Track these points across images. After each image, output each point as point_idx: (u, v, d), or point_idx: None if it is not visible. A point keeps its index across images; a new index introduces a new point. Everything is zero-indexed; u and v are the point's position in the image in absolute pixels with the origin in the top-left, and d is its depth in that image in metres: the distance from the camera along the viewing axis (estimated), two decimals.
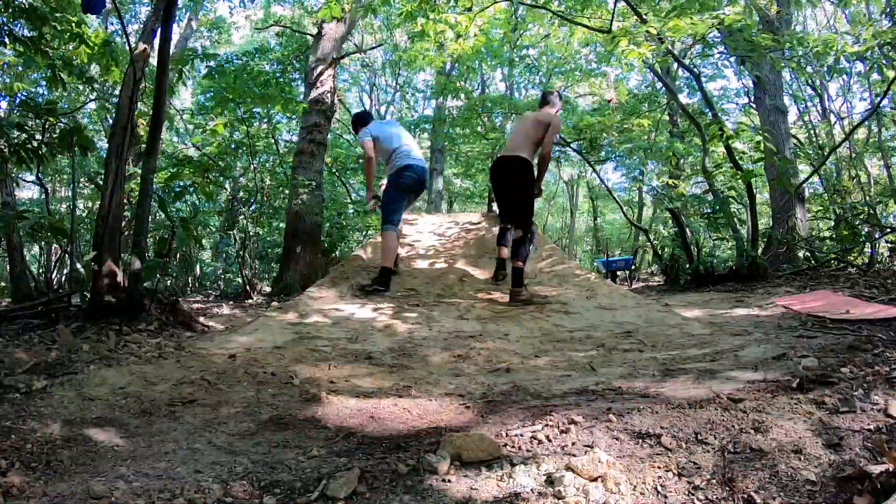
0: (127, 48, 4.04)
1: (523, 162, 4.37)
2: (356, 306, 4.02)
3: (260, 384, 2.06)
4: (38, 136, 4.35)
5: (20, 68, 5.53)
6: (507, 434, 1.37)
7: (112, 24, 10.10)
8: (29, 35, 4.37)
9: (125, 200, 5.16)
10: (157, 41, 4.01)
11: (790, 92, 11.27)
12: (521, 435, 1.36)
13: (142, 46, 4.01)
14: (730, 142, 6.30)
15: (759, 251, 6.51)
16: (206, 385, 2.01)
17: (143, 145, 5.58)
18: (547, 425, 1.40)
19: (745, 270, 6.11)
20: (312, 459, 1.31)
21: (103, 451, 1.32)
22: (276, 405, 1.82)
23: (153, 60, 4.85)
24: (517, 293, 4.12)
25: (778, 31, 7.22)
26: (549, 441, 1.33)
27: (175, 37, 13.99)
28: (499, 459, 1.24)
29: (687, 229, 7.46)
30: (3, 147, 4.16)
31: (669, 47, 6.43)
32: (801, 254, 7.21)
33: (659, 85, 11.02)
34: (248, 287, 7.62)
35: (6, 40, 4.25)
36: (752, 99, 10.04)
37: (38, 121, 4.48)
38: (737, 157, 6.63)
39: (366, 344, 3.00)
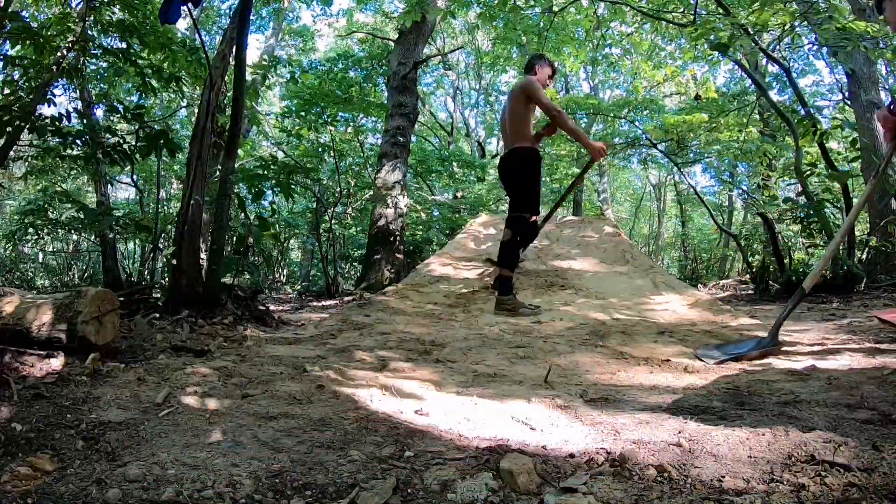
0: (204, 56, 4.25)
1: (513, 156, 4.02)
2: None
3: (318, 383, 2.04)
4: (130, 140, 4.67)
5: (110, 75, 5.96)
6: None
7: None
8: (119, 47, 4.72)
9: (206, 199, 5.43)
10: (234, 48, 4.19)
11: (886, 86, 10.18)
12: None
13: (220, 53, 4.21)
14: (824, 140, 5.75)
15: (856, 259, 5.89)
16: (265, 380, 2.02)
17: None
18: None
19: (839, 281, 5.55)
20: (352, 464, 1.26)
21: (149, 437, 1.34)
22: (328, 405, 1.78)
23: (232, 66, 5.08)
24: (502, 301, 3.88)
25: (870, 18, 6.49)
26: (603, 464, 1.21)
27: (262, 46, 14.80)
28: (546, 485, 1.12)
29: (779, 235, 6.89)
30: (97, 150, 4.50)
31: (757, 39, 5.97)
32: None
33: (748, 82, 10.32)
34: (331, 286, 7.81)
35: (98, 53, 4.60)
36: (847, 94, 9.13)
37: (129, 125, 4.81)
38: (832, 157, 6.05)
39: (436, 348, 2.91)
